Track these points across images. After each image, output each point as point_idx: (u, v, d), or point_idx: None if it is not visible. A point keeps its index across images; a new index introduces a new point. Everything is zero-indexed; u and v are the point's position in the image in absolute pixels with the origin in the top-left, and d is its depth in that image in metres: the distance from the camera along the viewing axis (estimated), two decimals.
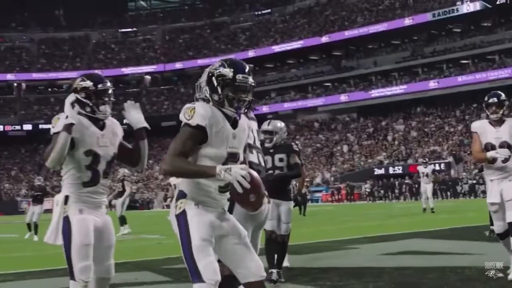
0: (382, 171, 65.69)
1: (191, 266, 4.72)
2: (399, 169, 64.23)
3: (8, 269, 13.09)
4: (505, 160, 8.79)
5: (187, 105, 4.88)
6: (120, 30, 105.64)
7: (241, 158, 5.11)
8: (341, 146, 76.31)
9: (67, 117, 5.64)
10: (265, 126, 9.86)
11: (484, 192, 53.54)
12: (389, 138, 73.14)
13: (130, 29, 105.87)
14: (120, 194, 24.47)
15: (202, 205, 4.89)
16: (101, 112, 5.89)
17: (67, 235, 5.72)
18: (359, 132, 77.99)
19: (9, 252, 18.04)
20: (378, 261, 11.62)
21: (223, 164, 4.84)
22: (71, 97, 5.80)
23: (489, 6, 70.51)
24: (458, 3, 73.65)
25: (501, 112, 9.04)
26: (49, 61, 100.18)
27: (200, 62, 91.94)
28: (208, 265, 4.69)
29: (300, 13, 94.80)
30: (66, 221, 5.75)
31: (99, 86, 5.92)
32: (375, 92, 77.89)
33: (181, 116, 4.85)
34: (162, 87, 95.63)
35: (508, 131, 8.90)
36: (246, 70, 4.97)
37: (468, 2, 72.45)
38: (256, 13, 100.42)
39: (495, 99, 9.12)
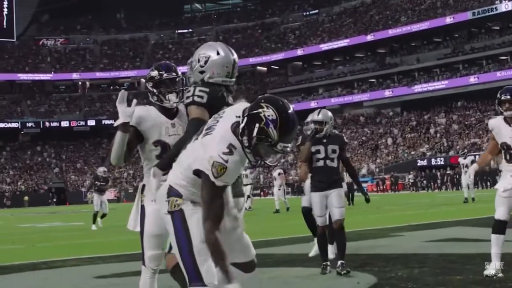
0: (424, 163, 65.24)
1: (191, 268, 4.28)
2: (441, 160, 63.78)
3: (80, 254, 13.28)
4: None
5: (219, 160, 4.18)
6: (176, 31, 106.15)
7: None
8: (385, 139, 75.88)
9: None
10: (315, 116, 9.37)
11: None
12: (431, 131, 72.54)
13: (186, 30, 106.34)
14: None
15: (199, 204, 4.35)
16: (167, 101, 5.64)
17: (142, 224, 5.57)
18: (403, 125, 77.46)
19: (78, 239, 18.30)
20: (422, 247, 11.56)
21: None
22: (119, 95, 5.47)
23: None
24: (496, 2, 72.79)
25: None
26: (111, 61, 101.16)
27: (252, 60, 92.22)
28: (209, 269, 4.26)
29: (346, 13, 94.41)
30: (142, 210, 5.58)
31: (165, 75, 5.68)
32: (418, 88, 77.30)
33: (208, 166, 4.19)
34: None
35: None
36: (291, 140, 4.30)
37: (507, 1, 71.52)
38: (304, 13, 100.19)
39: (508, 96, 8.30)
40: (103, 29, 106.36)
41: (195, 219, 4.33)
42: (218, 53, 5.10)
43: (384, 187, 63.04)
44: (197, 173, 4.30)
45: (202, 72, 5.05)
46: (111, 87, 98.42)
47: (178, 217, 4.36)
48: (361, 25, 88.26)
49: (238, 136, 4.25)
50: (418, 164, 65.14)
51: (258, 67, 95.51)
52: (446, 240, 12.63)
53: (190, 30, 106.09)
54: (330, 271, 9.01)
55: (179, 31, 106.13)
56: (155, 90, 5.68)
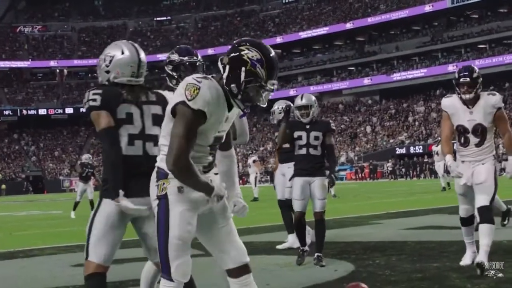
0: (403, 151, 65.60)
1: (163, 259, 4.21)
2: (419, 148, 64.12)
3: (58, 242, 13.25)
4: (479, 144, 7.59)
5: (191, 82, 4.12)
6: (155, 19, 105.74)
7: (223, 140, 4.47)
8: (364, 127, 76.13)
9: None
10: (298, 101, 9.01)
11: (503, 169, 53.04)
12: (410, 119, 72.84)
13: (164, 18, 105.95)
14: None
15: (185, 187, 4.18)
16: None
17: None
18: (382, 113, 77.73)
19: (56, 228, 18.24)
20: (400, 235, 11.63)
21: (210, 145, 4.30)
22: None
23: None
24: None
25: (474, 91, 7.60)
26: (89, 48, 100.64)
27: None
28: (180, 266, 4.19)
29: (325, 1, 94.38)
30: None
31: (185, 59, 5.63)
32: (396, 76, 77.59)
33: (181, 90, 4.13)
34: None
35: (482, 111, 7.58)
36: (277, 75, 4.23)
37: None
38: (283, 1, 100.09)
39: (467, 78, 7.66)
40: (81, 17, 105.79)
41: (177, 211, 4.17)
42: (122, 52, 4.99)
43: (363, 175, 63.29)
44: (174, 111, 4.17)
45: (107, 72, 4.95)
46: (89, 75, 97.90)
47: (162, 205, 4.20)
48: (340, 13, 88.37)
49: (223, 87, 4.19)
50: (397, 152, 65.49)
51: None
52: (424, 228, 12.71)
53: (169, 17, 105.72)
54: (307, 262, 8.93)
55: (158, 18, 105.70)
56: (174, 74, 5.60)
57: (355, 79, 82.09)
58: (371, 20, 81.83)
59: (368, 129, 75.16)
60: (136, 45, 5.14)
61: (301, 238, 9.04)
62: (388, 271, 7.74)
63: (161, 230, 4.20)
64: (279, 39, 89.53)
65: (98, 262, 4.70)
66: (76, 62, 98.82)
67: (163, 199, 4.20)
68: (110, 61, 4.95)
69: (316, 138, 8.87)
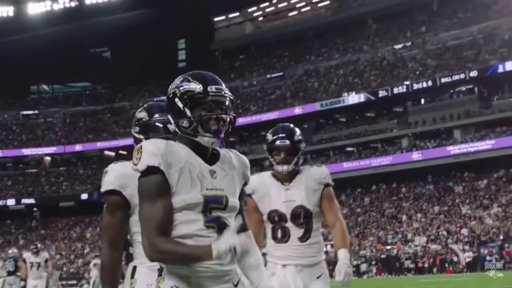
0: None
1: None
2: None
3: None
4: (304, 237, 5.51)
5: (136, 147, 3.50)
6: (21, 112, 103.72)
7: (235, 205, 3.60)
8: None
9: None
10: None
11: (366, 272, 53.09)
12: None
13: (31, 112, 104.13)
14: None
15: (187, 281, 3.41)
16: None
17: None
18: None
19: None
20: None
21: (203, 211, 3.43)
22: None
23: (372, 98, 72.42)
24: (344, 94, 75.51)
25: (294, 161, 5.68)
26: None
27: (100, 145, 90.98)
28: None
29: None
30: None
31: (156, 117, 4.70)
32: None
33: (132, 165, 3.49)
34: (61, 168, 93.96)
35: (304, 187, 5.64)
36: (218, 81, 3.57)
37: (353, 94, 74.35)
38: (155, 99, 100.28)
39: (286, 141, 5.80)
40: None
41: None
42: None
43: None
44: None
45: None
46: None
47: None
48: None
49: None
50: None
51: (106, 152, 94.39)
52: None
53: (36, 111, 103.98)
54: None
55: (24, 112, 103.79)
56: (141, 136, 4.69)
57: None
58: (242, 120, 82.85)
59: None
60: None
61: None
62: None
63: None
64: None
65: None
66: None
67: None
68: None
69: None
